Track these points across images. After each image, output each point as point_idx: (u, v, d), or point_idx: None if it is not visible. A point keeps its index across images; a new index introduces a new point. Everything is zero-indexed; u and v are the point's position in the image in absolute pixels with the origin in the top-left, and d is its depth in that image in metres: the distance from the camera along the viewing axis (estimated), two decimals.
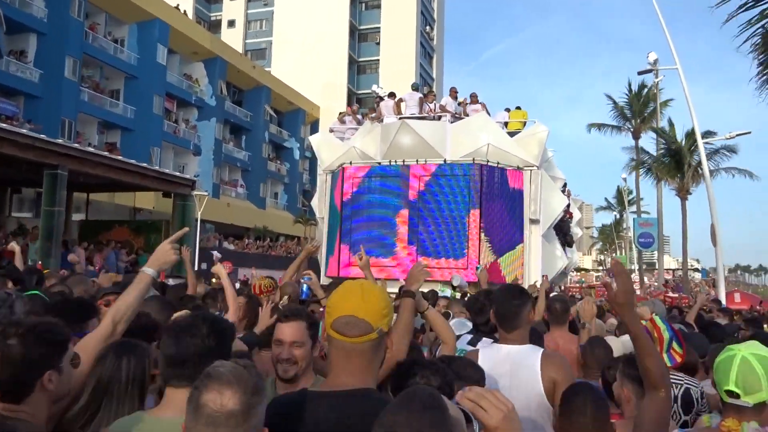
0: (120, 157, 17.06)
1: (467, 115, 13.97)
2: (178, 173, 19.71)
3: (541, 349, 2.94)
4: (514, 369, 2.83)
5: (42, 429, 1.82)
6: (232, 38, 51.26)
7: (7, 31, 24.16)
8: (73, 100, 28.17)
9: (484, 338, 3.64)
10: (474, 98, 14.65)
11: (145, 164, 17.22)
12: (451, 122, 13.64)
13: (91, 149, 16.26)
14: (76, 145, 16.32)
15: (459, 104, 14.54)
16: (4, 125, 13.44)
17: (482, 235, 12.85)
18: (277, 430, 1.48)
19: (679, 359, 3.43)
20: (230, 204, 38.86)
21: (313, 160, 44.36)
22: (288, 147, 48.03)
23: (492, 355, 2.93)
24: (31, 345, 1.76)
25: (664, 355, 3.35)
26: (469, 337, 3.73)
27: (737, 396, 1.99)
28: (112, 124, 31.89)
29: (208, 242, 24.64)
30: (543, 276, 10.09)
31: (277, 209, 46.00)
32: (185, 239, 17.81)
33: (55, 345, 1.84)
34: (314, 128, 48.64)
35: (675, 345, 3.42)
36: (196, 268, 16.61)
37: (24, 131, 13.64)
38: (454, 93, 14.69)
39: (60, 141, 14.55)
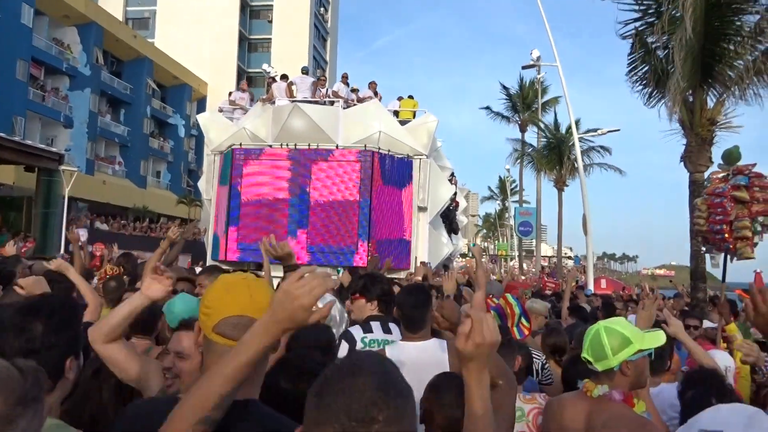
0: None
1: (360, 102, 13.87)
2: (43, 146, 17.99)
3: (445, 341, 2.89)
4: (426, 366, 2.71)
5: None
6: (111, 4, 47.64)
7: None
8: None
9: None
10: (373, 86, 14.65)
11: (2, 134, 15.52)
12: (344, 108, 13.51)
13: None
14: None
15: (351, 90, 14.44)
16: None
17: (371, 221, 12.84)
18: None
19: (527, 332, 4.28)
20: (106, 182, 36.38)
21: (199, 139, 42.51)
22: (172, 124, 45.63)
23: (400, 354, 2.83)
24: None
25: (515, 329, 4.21)
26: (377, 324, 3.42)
27: (590, 363, 2.32)
28: None
29: (78, 222, 22.77)
30: (420, 263, 10.23)
31: (159, 188, 43.70)
32: (51, 217, 16.36)
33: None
34: (201, 105, 46.62)
35: (524, 320, 4.26)
36: (61, 252, 15.25)
37: None
38: (345, 79, 14.60)
39: None
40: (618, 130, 24.94)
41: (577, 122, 20.88)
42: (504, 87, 40.71)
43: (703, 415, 1.97)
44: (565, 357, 4.12)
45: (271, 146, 13.26)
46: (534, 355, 3.94)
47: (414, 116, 14.50)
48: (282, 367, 2.00)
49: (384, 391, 1.04)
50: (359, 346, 3.20)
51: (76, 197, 27.09)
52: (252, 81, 45.62)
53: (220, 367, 1.28)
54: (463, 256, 46.42)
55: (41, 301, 1.80)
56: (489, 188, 67.47)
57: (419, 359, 2.85)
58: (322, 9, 57.88)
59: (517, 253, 47.58)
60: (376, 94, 14.71)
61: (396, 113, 14.38)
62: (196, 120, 40.55)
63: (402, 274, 10.79)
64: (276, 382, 1.87)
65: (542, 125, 33.94)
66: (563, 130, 32.05)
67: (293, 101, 13.42)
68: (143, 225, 31.54)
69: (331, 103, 13.74)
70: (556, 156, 31.70)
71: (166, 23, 50.24)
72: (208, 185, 14.49)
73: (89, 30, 35.69)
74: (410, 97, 15.20)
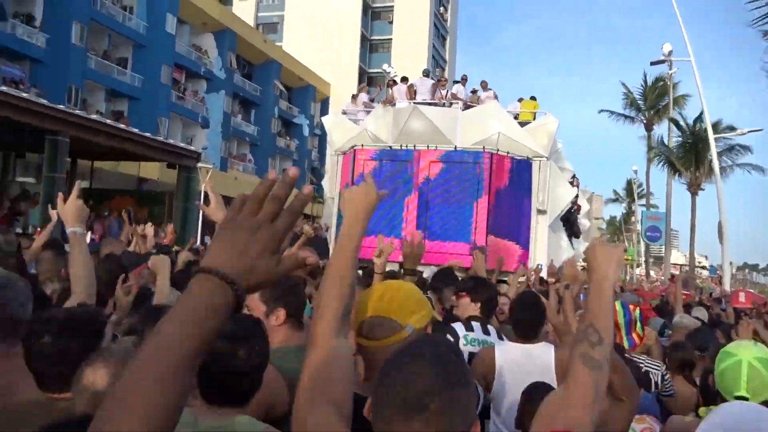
0: (123, 126, 16.86)
1: (478, 103, 13.83)
2: (183, 144, 19.51)
3: (553, 346, 2.96)
4: (529, 370, 2.85)
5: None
6: (244, 11, 50.63)
7: None
8: (79, 66, 27.86)
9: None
10: (484, 85, 14.55)
11: (148, 134, 17.03)
12: (462, 110, 13.54)
13: (94, 117, 16.06)
14: (79, 111, 16.11)
15: (471, 92, 14.45)
16: (4, 88, 13.24)
17: (488, 222, 12.76)
18: None
19: (638, 341, 4.03)
20: (237, 178, 38.69)
21: (322, 138, 44.10)
22: (297, 123, 47.70)
23: (506, 354, 2.97)
24: (67, 339, 1.74)
25: (624, 338, 3.98)
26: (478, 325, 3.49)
27: (746, 399, 2.11)
28: (119, 92, 31.62)
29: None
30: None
31: None
32: (190, 211, 17.74)
33: (90, 336, 1.81)
34: (324, 105, 48.36)
35: (638, 328, 3.99)
36: (198, 242, 16.48)
37: (24, 95, 13.46)
38: (464, 81, 14.62)
39: (61, 107, 14.34)
40: (760, 129, 22.88)
41: (715, 123, 19.37)
42: (624, 85, 38.58)
43: None
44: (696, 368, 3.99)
45: (391, 147, 13.53)
46: (651, 366, 3.85)
47: (534, 117, 14.20)
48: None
49: (439, 381, 1.05)
50: (461, 343, 3.30)
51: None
52: (372, 81, 46.60)
53: (338, 257, 1.51)
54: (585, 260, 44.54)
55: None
56: (614, 191, 64.21)
57: (524, 363, 2.96)
58: (441, 8, 57.87)
59: (643, 260, 44.97)
60: (485, 91, 14.59)
61: (516, 115, 14.18)
62: (320, 120, 42.22)
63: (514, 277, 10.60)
64: None
65: (678, 122, 31.63)
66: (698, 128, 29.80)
67: (413, 103, 13.62)
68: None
69: (450, 104, 13.79)
70: (691, 156, 29.49)
71: (293, 27, 52.54)
72: (331, 184, 15.02)
73: (224, 36, 38.16)
74: (532, 98, 14.89)
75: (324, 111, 44.50)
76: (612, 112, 38.37)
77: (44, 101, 13.54)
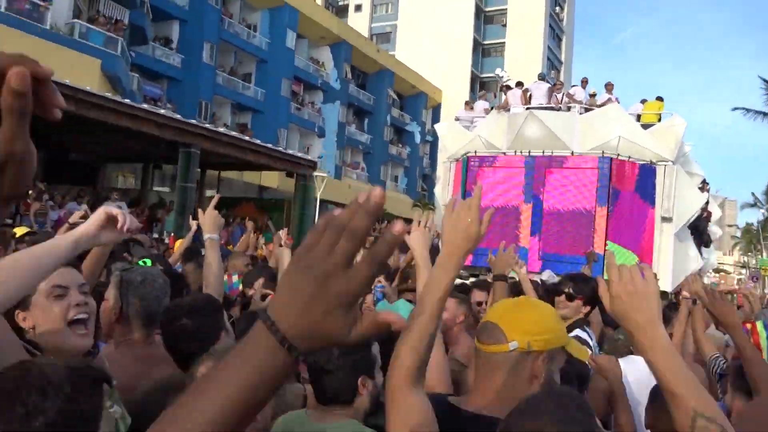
0: (246, 137, 17.87)
1: (598, 106, 13.26)
2: (301, 154, 20.35)
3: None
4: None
5: None
6: (359, 22, 52.04)
7: (153, 18, 26.07)
8: (209, 83, 29.96)
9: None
10: (609, 88, 13.89)
11: (270, 144, 17.93)
12: (581, 113, 13.06)
13: (221, 129, 17.16)
14: (208, 125, 17.29)
15: (590, 95, 13.87)
16: (145, 106, 14.50)
17: (608, 230, 12.21)
18: None
19: None
20: (351, 185, 39.69)
21: (433, 145, 44.24)
22: (409, 131, 48.21)
23: (632, 367, 2.84)
24: (200, 319, 2.04)
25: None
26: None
27: None
28: (243, 105, 33.60)
29: None
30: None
31: (397, 192, 46.44)
32: (307, 217, 18.52)
33: (216, 317, 2.12)
34: (435, 112, 48.52)
35: None
36: None
37: (162, 111, 14.63)
38: (584, 83, 14.06)
39: (193, 121, 15.46)
40: None
41: None
42: (764, 80, 35.31)
43: None
44: None
45: (505, 153, 13.35)
46: None
47: (659, 119, 13.40)
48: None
49: None
50: (595, 352, 3.17)
51: (326, 200, 30.11)
52: (485, 86, 46.12)
53: (421, 306, 1.37)
54: (717, 271, 41.37)
55: None
56: (752, 194, 59.04)
57: (648, 378, 2.80)
58: (557, 8, 56.20)
59: None
60: (609, 93, 13.90)
61: (638, 117, 13.45)
62: (431, 127, 42.40)
63: None
64: None
65: None
66: None
67: (528, 108, 13.35)
68: (381, 226, 33.86)
69: (568, 108, 13.35)
70: None
71: (406, 35, 53.23)
72: (444, 191, 15.06)
73: (340, 48, 39.43)
74: (658, 98, 14.04)
75: (435, 118, 44.65)
76: (748, 110, 35.38)
77: (179, 116, 14.68)
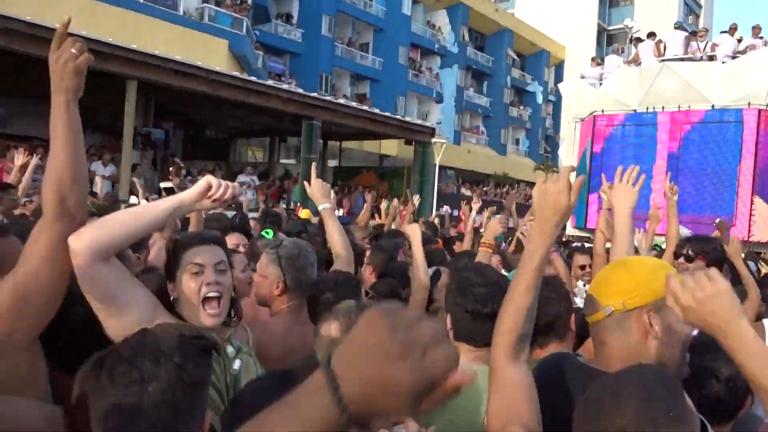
0: (366, 107, 18.13)
1: (742, 53, 11.96)
2: (419, 121, 20.34)
3: None
4: None
5: None
6: None
7: None
8: (329, 55, 30.63)
9: None
10: (756, 31, 12.46)
11: (388, 113, 18.07)
12: (725, 62, 11.88)
13: (341, 101, 17.53)
14: (329, 97, 17.73)
15: (737, 41, 12.45)
16: (270, 82, 15.14)
17: (755, 189, 11.17)
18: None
19: None
20: (471, 150, 39.23)
21: (557, 104, 42.47)
22: (530, 91, 46.52)
23: None
24: (341, 295, 2.23)
25: None
26: None
27: None
28: (362, 75, 34.07)
29: (446, 188, 25.27)
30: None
31: (518, 155, 45.25)
32: (426, 183, 18.59)
33: (355, 291, 2.39)
34: (559, 70, 46.33)
35: None
36: (433, 213, 17.22)
37: (285, 86, 15.22)
38: (733, 30, 12.64)
39: (314, 94, 15.93)
40: None
41: None
42: None
43: None
44: None
45: (636, 111, 12.57)
46: None
47: None
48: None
49: (644, 420, 0.97)
50: None
51: (446, 165, 29.99)
52: (613, 39, 43.28)
53: (518, 280, 1.38)
54: None
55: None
56: None
57: None
58: None
59: None
60: (756, 38, 12.42)
61: None
62: (554, 86, 40.62)
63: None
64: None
65: None
66: None
67: (662, 60, 12.39)
68: (503, 191, 33.22)
69: (710, 58, 12.19)
70: None
71: None
72: (568, 153, 14.55)
73: (457, 10, 38.61)
74: None
75: (559, 76, 42.71)
76: None
77: (301, 90, 15.20)
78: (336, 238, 2.89)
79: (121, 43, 10.80)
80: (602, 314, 1.44)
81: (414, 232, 3.34)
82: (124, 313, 1.63)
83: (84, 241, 1.54)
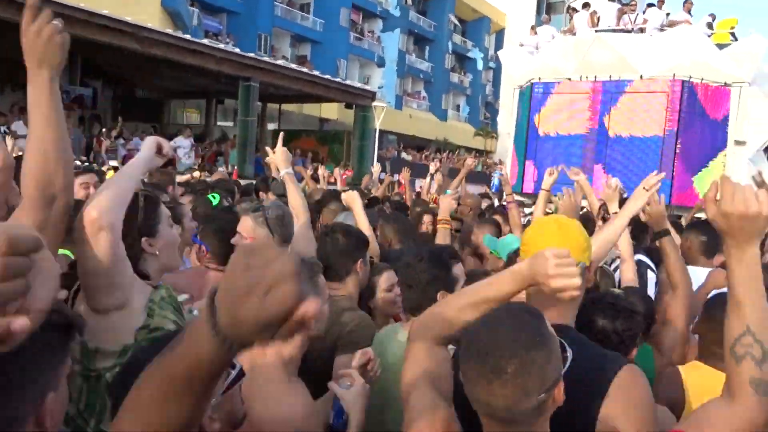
0: (305, 69, 17.86)
1: (671, 27, 12.45)
2: (359, 85, 20.21)
3: None
4: None
5: (355, 304, 2.56)
6: None
7: None
8: (268, 15, 29.77)
9: None
10: (687, 7, 12.91)
11: (328, 76, 17.87)
12: (653, 35, 12.36)
13: (279, 62, 17.19)
14: (267, 58, 17.36)
15: (667, 15, 12.93)
16: (205, 41, 14.66)
17: (677, 155, 11.77)
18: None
19: None
20: (412, 115, 39.30)
21: (497, 71, 42.88)
22: (471, 57, 46.77)
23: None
24: (350, 238, 2.62)
25: None
26: None
27: None
28: (302, 37, 33.37)
29: (387, 153, 25.35)
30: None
31: (459, 121, 45.65)
32: (366, 149, 18.62)
33: (361, 241, 2.69)
34: (499, 37, 46.66)
35: None
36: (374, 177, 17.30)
37: (221, 46, 14.79)
38: (661, 3, 13.11)
39: (251, 54, 15.54)
40: None
41: None
42: None
43: None
44: None
45: (570, 79, 12.95)
46: None
47: (732, 38, 12.51)
48: (596, 304, 2.06)
49: (516, 345, 1.13)
50: None
51: (387, 130, 29.99)
52: (552, 8, 43.84)
53: (466, 293, 1.50)
54: None
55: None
56: None
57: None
58: None
59: None
60: (686, 13, 12.94)
61: (710, 35, 12.58)
62: (495, 53, 40.95)
63: None
64: (593, 319, 2.00)
65: None
66: None
67: (597, 31, 12.78)
68: (443, 156, 33.57)
69: (641, 30, 12.64)
70: None
71: None
72: (507, 119, 14.92)
73: None
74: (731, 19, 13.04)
75: (499, 43, 43.10)
76: None
77: (238, 50, 14.80)
78: (298, 201, 3.04)
79: None
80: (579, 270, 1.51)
81: (353, 199, 3.50)
82: (117, 290, 1.66)
83: (109, 214, 1.58)
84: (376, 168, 7.61)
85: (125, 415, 0.81)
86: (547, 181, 4.31)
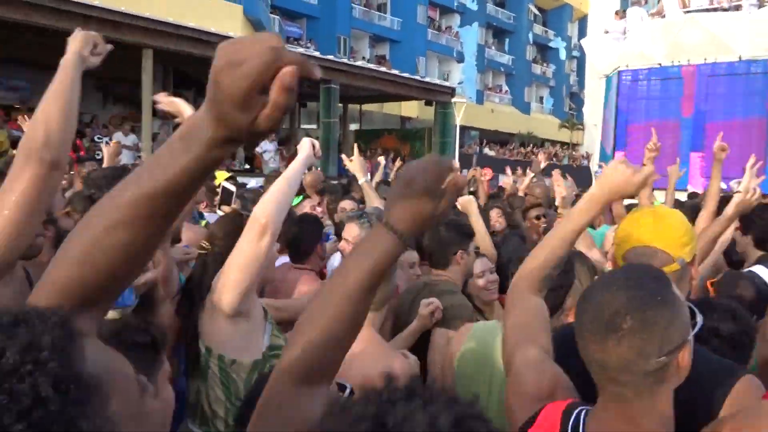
0: (383, 69, 17.93)
1: None
2: (438, 81, 20.07)
3: None
4: None
5: (456, 288, 2.75)
6: None
7: None
8: (346, 17, 30.19)
9: None
10: None
11: (407, 74, 17.84)
12: (752, 12, 11.51)
13: (358, 63, 17.34)
14: (345, 60, 17.56)
15: None
16: (286, 46, 14.98)
17: None
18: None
19: None
20: (494, 110, 38.70)
21: (581, 60, 41.46)
22: (553, 47, 45.47)
23: None
24: (451, 231, 2.78)
25: None
26: None
27: None
28: (381, 37, 33.60)
29: (468, 149, 25.06)
30: None
31: (543, 114, 44.52)
32: (447, 145, 18.49)
33: (463, 234, 2.85)
34: (582, 25, 45.05)
35: None
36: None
37: (300, 50, 15.08)
38: None
39: (330, 57, 15.76)
40: None
41: None
42: None
43: None
44: None
45: (660, 65, 12.31)
46: None
47: None
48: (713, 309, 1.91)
49: (633, 302, 1.07)
50: None
51: (468, 126, 29.67)
52: None
53: (557, 230, 1.52)
54: None
55: None
56: None
57: None
58: None
59: None
60: None
61: None
62: (578, 42, 39.60)
63: None
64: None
65: None
66: None
67: (687, 12, 12.05)
68: (527, 150, 32.81)
69: (737, 8, 11.79)
70: None
71: None
72: (593, 109, 14.42)
73: None
74: None
75: (582, 31, 41.58)
76: None
77: (317, 54, 15.07)
78: (377, 204, 3.29)
79: (135, 12, 10.77)
80: (676, 266, 1.45)
81: (470, 205, 3.50)
82: (251, 293, 1.86)
83: (275, 221, 1.74)
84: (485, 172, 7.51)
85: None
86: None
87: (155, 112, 13.07)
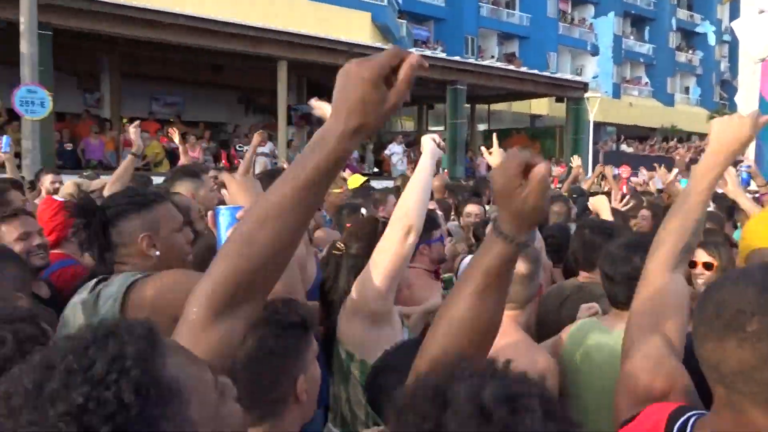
0: (511, 67, 17.62)
1: None
2: (569, 77, 19.40)
3: None
4: None
5: None
6: None
7: None
8: (473, 16, 30.00)
9: None
10: None
11: (536, 71, 17.43)
12: None
13: (485, 62, 17.21)
14: (472, 60, 17.47)
15: None
16: (412, 50, 15.21)
17: None
18: None
19: None
20: (633, 103, 36.50)
21: (733, 45, 38.00)
22: (700, 33, 42.00)
23: None
24: (596, 233, 2.77)
25: None
26: None
27: None
28: (509, 34, 32.98)
29: (603, 145, 23.87)
30: None
31: (689, 105, 41.29)
32: (581, 142, 17.73)
33: (607, 236, 2.72)
34: (734, 6, 41.21)
35: None
36: (589, 174, 16.38)
37: (427, 52, 15.23)
38: None
39: (456, 58, 15.76)
40: None
41: None
42: None
43: None
44: None
45: None
46: None
47: None
48: None
49: (760, 301, 0.93)
50: None
51: (604, 122, 28.25)
52: None
53: (684, 197, 1.43)
54: None
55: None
56: None
57: None
58: None
59: None
60: None
61: None
62: (729, 25, 36.25)
63: None
64: None
65: None
66: None
67: None
68: (669, 145, 30.59)
69: None
70: None
71: None
72: (748, 97, 13.19)
73: None
74: None
75: (734, 13, 38.02)
76: None
77: (443, 55, 15.15)
78: None
79: (270, 26, 11.48)
80: None
81: (602, 204, 3.44)
82: (391, 294, 1.89)
83: (418, 221, 1.77)
84: (575, 160, 7.07)
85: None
86: None
87: (290, 120, 13.84)
